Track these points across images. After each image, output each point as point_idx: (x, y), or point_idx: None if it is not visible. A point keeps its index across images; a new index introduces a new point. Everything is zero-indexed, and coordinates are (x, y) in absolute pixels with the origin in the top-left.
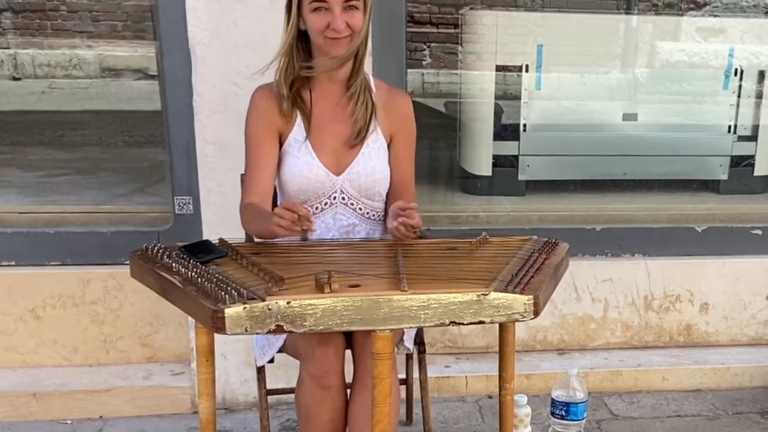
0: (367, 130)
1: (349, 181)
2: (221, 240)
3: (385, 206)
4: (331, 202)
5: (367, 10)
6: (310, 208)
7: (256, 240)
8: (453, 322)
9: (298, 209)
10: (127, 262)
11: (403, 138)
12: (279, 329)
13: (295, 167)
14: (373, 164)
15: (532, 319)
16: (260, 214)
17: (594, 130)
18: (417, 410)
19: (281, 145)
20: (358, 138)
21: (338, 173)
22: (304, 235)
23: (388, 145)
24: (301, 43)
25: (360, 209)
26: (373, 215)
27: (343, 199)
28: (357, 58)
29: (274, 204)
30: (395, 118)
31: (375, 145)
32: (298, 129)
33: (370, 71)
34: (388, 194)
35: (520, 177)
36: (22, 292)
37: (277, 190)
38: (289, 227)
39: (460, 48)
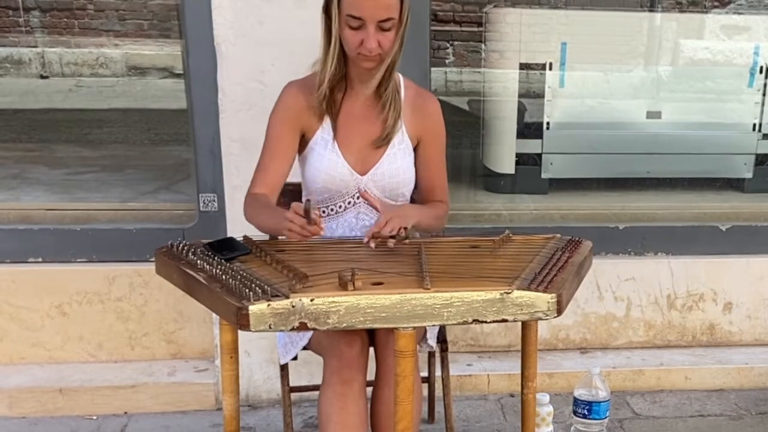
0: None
1: (373, 182)
2: (245, 237)
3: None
4: (354, 201)
5: (401, 28)
6: (333, 207)
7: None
8: (476, 321)
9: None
10: (153, 259)
11: (433, 143)
12: (303, 326)
13: (321, 165)
14: (398, 165)
15: (555, 317)
16: (269, 209)
17: (618, 128)
18: (439, 408)
19: (307, 143)
20: (384, 140)
21: (363, 173)
22: (307, 205)
23: (415, 148)
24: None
25: None
26: None
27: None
28: (390, 64)
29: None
30: (424, 122)
31: (400, 147)
32: (325, 127)
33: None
34: (413, 197)
35: (544, 175)
36: (49, 289)
37: (302, 189)
38: (299, 232)
39: (483, 46)
